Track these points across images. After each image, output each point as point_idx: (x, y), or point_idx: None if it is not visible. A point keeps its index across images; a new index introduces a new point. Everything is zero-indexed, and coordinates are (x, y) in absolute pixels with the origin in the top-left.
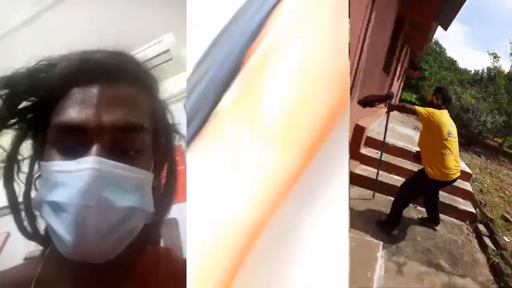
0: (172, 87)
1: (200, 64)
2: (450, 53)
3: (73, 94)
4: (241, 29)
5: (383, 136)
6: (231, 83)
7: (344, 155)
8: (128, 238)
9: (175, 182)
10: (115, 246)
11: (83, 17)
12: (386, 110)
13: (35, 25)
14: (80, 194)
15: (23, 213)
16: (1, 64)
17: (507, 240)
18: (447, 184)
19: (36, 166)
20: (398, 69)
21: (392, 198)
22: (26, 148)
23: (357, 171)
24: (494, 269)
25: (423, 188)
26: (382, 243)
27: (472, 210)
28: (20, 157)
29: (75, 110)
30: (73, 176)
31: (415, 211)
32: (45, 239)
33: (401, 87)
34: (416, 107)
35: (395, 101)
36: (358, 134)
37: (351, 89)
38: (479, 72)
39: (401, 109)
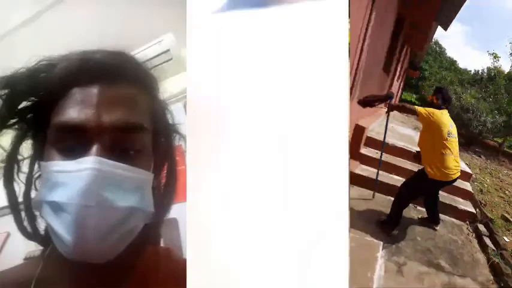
0: (172, 87)
1: None
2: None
3: (73, 94)
4: None
5: (383, 136)
6: None
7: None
8: (127, 238)
9: (175, 182)
10: (115, 246)
11: (83, 17)
12: (386, 110)
13: (35, 25)
14: (80, 194)
15: (23, 213)
16: (1, 64)
17: (507, 240)
18: (447, 184)
19: (36, 166)
20: (398, 69)
21: (392, 198)
22: (26, 148)
23: (357, 171)
24: (494, 269)
25: (423, 188)
26: (382, 243)
27: (472, 210)
28: (20, 157)
29: (75, 110)
30: (73, 176)
31: (415, 211)
32: (45, 239)
33: (401, 87)
34: (416, 107)
35: (395, 101)
36: (358, 134)
37: (351, 89)
38: (479, 72)
39: (401, 109)
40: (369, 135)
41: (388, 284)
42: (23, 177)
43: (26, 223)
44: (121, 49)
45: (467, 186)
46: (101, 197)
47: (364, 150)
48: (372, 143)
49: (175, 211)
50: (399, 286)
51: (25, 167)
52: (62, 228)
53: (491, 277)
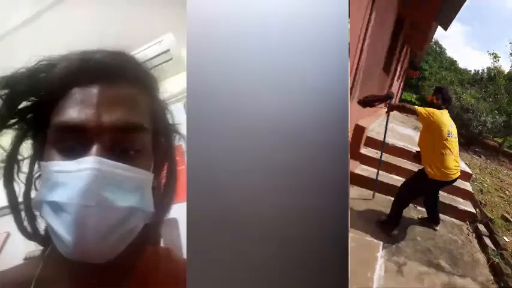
0: (172, 87)
1: None
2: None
3: (73, 94)
4: None
5: (383, 136)
6: None
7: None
8: (128, 238)
9: (175, 182)
10: (115, 246)
11: (83, 17)
12: (386, 110)
13: (35, 25)
14: (80, 194)
15: (23, 213)
16: (1, 64)
17: (507, 240)
18: (447, 184)
19: (36, 166)
20: (398, 69)
21: (392, 198)
22: (26, 148)
23: (357, 171)
24: (494, 269)
25: (423, 188)
26: (382, 243)
27: (472, 210)
28: (20, 157)
29: (75, 110)
30: (73, 176)
31: (415, 211)
32: (45, 239)
33: (401, 87)
34: (416, 107)
35: (395, 101)
36: (358, 134)
37: (351, 89)
38: (479, 72)
39: (401, 109)
40: (369, 135)
41: (388, 284)
42: (23, 177)
43: (26, 223)
44: (121, 49)
45: (467, 186)
46: (101, 197)
47: (364, 150)
48: (372, 143)
49: (175, 211)
50: (399, 286)
51: (25, 167)
52: (62, 228)
53: (491, 277)
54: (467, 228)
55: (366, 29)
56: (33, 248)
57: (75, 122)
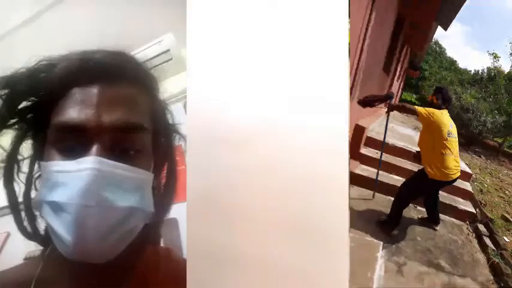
0: (172, 87)
1: None
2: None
3: (73, 94)
4: None
5: (383, 136)
6: None
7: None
8: (128, 238)
9: (175, 182)
10: (115, 246)
11: (83, 17)
12: (386, 110)
13: (35, 25)
14: (80, 194)
15: (23, 213)
16: (1, 64)
17: (507, 240)
18: (447, 184)
19: (36, 166)
20: (398, 69)
21: (392, 198)
22: (26, 148)
23: (357, 171)
24: (494, 269)
25: (423, 188)
26: (382, 243)
27: (472, 210)
28: (20, 157)
29: (75, 110)
30: (73, 176)
31: (415, 211)
32: (45, 239)
33: (401, 87)
34: (416, 107)
35: (395, 101)
36: (358, 134)
37: (351, 89)
38: (479, 72)
39: (401, 109)
40: (369, 135)
41: (388, 284)
42: (23, 177)
43: (26, 223)
44: (121, 49)
45: (467, 186)
46: (101, 197)
47: (364, 150)
48: (372, 143)
49: (175, 211)
50: (399, 286)
51: (25, 167)
52: (62, 228)
53: (491, 277)
54: (467, 228)
55: (366, 29)
56: (33, 248)
57: (75, 122)
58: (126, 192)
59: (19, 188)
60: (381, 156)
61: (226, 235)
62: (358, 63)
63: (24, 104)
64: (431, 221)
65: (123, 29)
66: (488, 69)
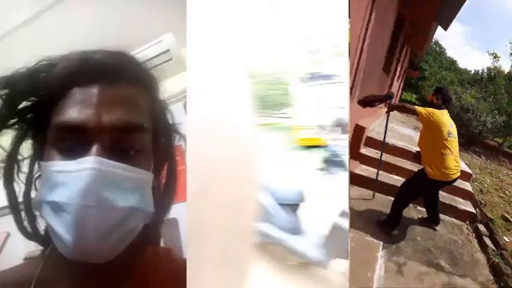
0: (172, 87)
1: None
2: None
3: (73, 94)
4: None
5: (383, 136)
6: None
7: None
8: (128, 238)
9: (175, 182)
10: (115, 246)
11: (83, 17)
12: (386, 110)
13: (35, 25)
14: (80, 194)
15: (23, 213)
16: (1, 64)
17: (507, 240)
18: (447, 184)
19: (36, 166)
20: (398, 69)
21: (392, 198)
22: (26, 148)
23: (357, 171)
24: (494, 269)
25: (423, 188)
26: (382, 243)
27: (472, 210)
28: (20, 157)
29: (75, 110)
30: (73, 176)
31: (415, 211)
32: (45, 239)
33: (401, 87)
34: (416, 107)
35: (395, 101)
36: (358, 134)
37: (351, 89)
38: (479, 72)
39: (401, 109)
40: (369, 135)
41: (388, 284)
42: (23, 177)
43: (26, 223)
44: (121, 49)
45: (467, 186)
46: (101, 197)
47: (364, 150)
48: (372, 143)
49: (175, 211)
50: (399, 286)
51: (25, 167)
52: (62, 228)
53: (491, 277)
54: (467, 228)
55: (366, 29)
56: (33, 248)
57: (75, 122)
58: (126, 192)
59: (19, 188)
60: (381, 156)
61: (226, 235)
62: (358, 63)
63: (24, 104)
64: (431, 221)
65: (123, 29)
66: (488, 69)
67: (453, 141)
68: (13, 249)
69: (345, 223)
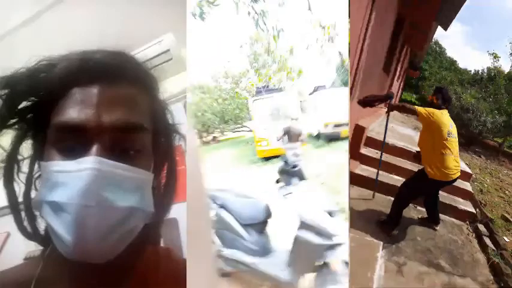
0: (172, 87)
1: None
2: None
3: (73, 94)
4: None
5: (383, 136)
6: None
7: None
8: (128, 238)
9: (175, 182)
10: (115, 246)
11: (83, 17)
12: (386, 110)
13: (35, 25)
14: (80, 194)
15: (23, 213)
16: (1, 64)
17: (507, 240)
18: (447, 184)
19: (36, 166)
20: (398, 69)
21: (392, 198)
22: (26, 148)
23: (357, 171)
24: (494, 269)
25: (423, 188)
26: (382, 243)
27: (472, 210)
28: (20, 157)
29: (75, 110)
30: (73, 176)
31: (415, 211)
32: (45, 239)
33: (401, 87)
34: (416, 107)
35: (395, 101)
36: (358, 134)
37: (351, 89)
38: (479, 72)
39: (401, 109)
40: (369, 135)
41: (388, 284)
42: (23, 177)
43: (26, 223)
44: (121, 49)
45: (467, 186)
46: (101, 197)
47: (364, 150)
48: (372, 143)
49: (175, 211)
50: (399, 286)
51: (25, 167)
52: (62, 228)
53: (491, 277)
54: (467, 228)
55: (366, 29)
56: (33, 248)
57: (75, 122)
58: (126, 192)
59: (19, 188)
60: (381, 156)
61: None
62: (358, 63)
63: (24, 104)
64: (431, 221)
65: (123, 29)
66: (488, 69)
67: (453, 141)
68: (13, 249)
69: (307, 235)
